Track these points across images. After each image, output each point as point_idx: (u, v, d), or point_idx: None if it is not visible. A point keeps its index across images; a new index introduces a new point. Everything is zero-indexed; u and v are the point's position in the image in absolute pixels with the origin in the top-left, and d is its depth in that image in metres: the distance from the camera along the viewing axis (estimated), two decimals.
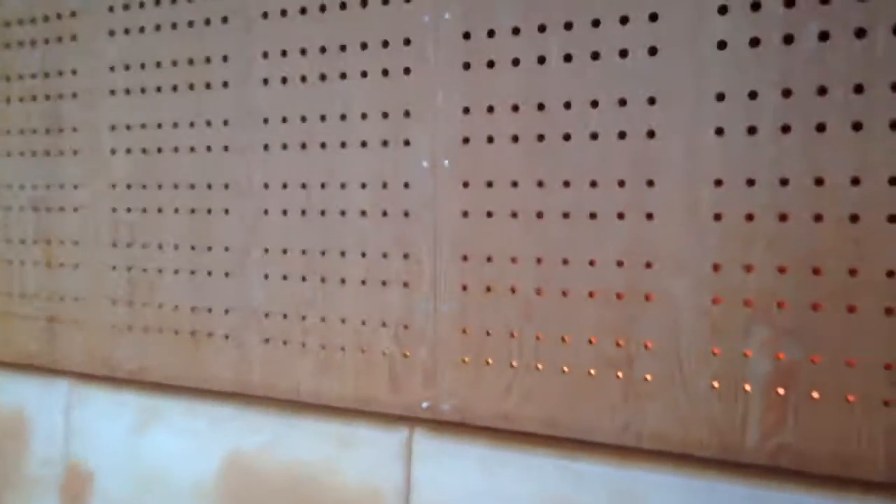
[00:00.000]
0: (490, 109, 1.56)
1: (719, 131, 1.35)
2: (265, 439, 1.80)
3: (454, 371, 1.62)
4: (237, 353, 1.88)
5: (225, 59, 1.86)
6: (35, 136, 2.15)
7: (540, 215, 1.52)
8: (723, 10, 1.34)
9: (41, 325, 2.17)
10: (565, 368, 1.51)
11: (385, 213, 1.69)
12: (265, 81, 1.82)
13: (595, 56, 1.45)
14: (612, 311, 1.46)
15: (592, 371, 1.49)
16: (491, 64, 1.56)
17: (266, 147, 1.83)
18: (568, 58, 1.48)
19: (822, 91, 1.27)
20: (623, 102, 1.43)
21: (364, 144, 1.70)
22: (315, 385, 1.79)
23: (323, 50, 1.74)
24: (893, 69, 1.21)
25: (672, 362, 1.41)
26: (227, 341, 1.89)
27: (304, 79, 1.77)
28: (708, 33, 1.35)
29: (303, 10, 1.76)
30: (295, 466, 1.77)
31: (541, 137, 1.51)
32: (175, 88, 1.94)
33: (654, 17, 1.40)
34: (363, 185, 1.71)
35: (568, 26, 1.47)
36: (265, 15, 1.81)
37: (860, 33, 1.24)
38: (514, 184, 1.54)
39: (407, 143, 1.65)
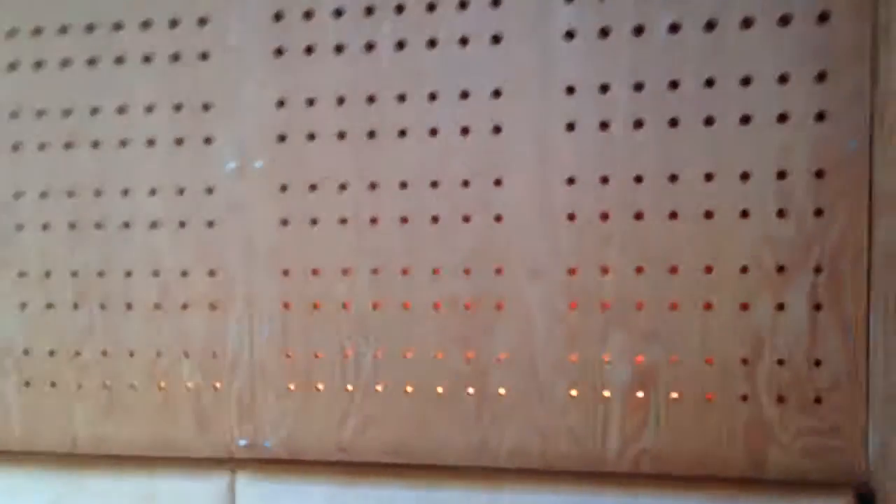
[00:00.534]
0: (310, 102, 1.33)
1: (570, 126, 1.24)
2: None
3: (278, 401, 1.38)
4: None
5: None
6: None
7: (374, 221, 1.32)
8: None
9: None
10: (409, 388, 1.33)
11: (183, 224, 1.38)
12: (12, 66, 1.42)
13: (432, 43, 1.27)
14: (460, 322, 1.30)
15: (440, 389, 1.32)
16: (309, 50, 1.32)
17: (16, 147, 1.43)
18: (401, 45, 1.28)
19: (674, 85, 1.19)
20: (465, 95, 1.27)
21: (151, 143, 1.38)
22: (98, 433, 1.44)
23: (90, 28, 1.39)
24: (743, 63, 1.16)
25: (528, 373, 1.28)
26: None
27: (66, 63, 1.40)
28: (555, 22, 1.22)
29: None
30: None
31: (372, 134, 1.31)
32: None
33: (496, 2, 1.24)
34: (152, 192, 1.39)
35: (399, 9, 1.28)
36: None
37: (710, 26, 1.17)
38: (343, 186, 1.32)
39: (208, 140, 1.36)
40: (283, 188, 1.34)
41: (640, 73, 1.21)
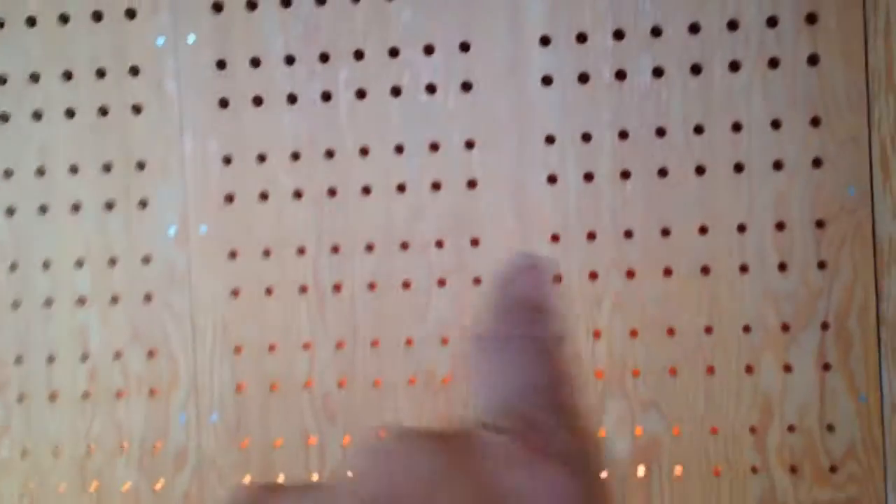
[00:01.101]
0: (261, 158, 1.16)
1: (551, 179, 1.11)
2: None
3: None
4: None
5: None
6: None
7: (337, 288, 1.15)
8: (545, 41, 1.10)
9: None
10: None
11: (115, 300, 1.19)
12: None
13: (395, 92, 1.13)
14: (438, 398, 1.15)
15: None
16: (258, 101, 1.15)
17: None
18: (361, 94, 1.14)
19: (661, 132, 1.08)
20: (434, 147, 1.13)
21: (76, 208, 1.19)
22: None
23: (2, 81, 1.19)
24: (733, 109, 1.06)
25: None
26: None
27: None
28: (530, 67, 1.10)
29: None
30: None
31: (332, 192, 1.15)
32: None
33: (465, 47, 1.11)
34: (78, 263, 1.19)
35: (358, 55, 1.13)
36: None
37: (695, 70, 1.07)
38: (301, 250, 1.16)
39: (143, 203, 1.18)
40: (232, 255, 1.17)
41: (624, 120, 1.09)
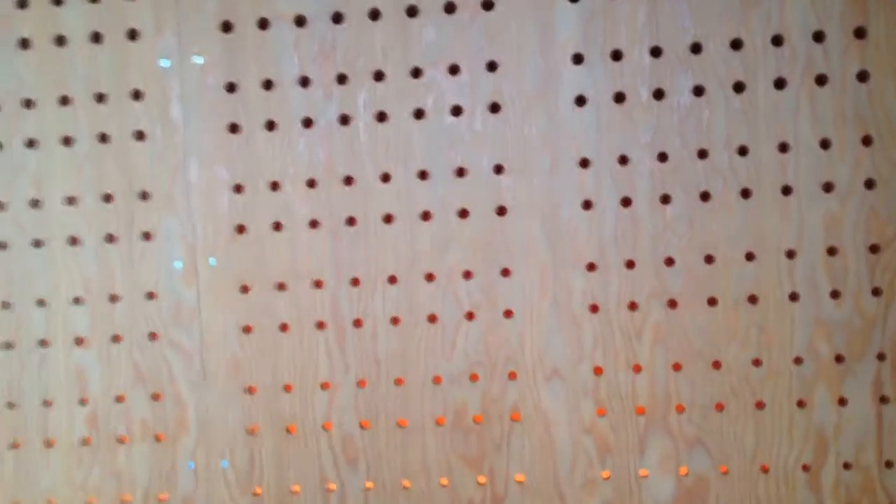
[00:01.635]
0: (274, 186, 1.06)
1: (587, 204, 1.02)
2: None
3: None
4: None
5: None
6: None
7: (357, 323, 1.06)
8: (578, 59, 1.02)
9: None
10: None
11: (116, 339, 1.08)
12: None
13: (419, 114, 1.04)
14: (467, 439, 1.05)
15: None
16: (271, 125, 1.06)
17: None
18: (381, 116, 1.05)
19: (703, 154, 1.00)
20: (461, 172, 1.04)
21: (74, 242, 1.08)
22: None
23: None
24: (779, 128, 0.99)
25: (551, 497, 1.03)
26: None
27: None
28: (562, 86, 1.02)
29: None
30: None
31: (350, 221, 1.05)
32: None
33: (492, 66, 1.03)
34: (76, 301, 1.08)
35: (378, 76, 1.04)
36: None
37: (738, 88, 1.00)
38: (317, 284, 1.06)
39: (146, 236, 1.07)
40: (244, 289, 1.07)
41: (663, 141, 1.01)
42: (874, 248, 1.01)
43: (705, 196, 1.03)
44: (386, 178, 1.07)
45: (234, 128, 1.09)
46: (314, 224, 1.08)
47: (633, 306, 1.04)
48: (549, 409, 1.05)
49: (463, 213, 1.06)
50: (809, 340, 1.02)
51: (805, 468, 1.02)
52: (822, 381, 1.02)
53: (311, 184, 1.08)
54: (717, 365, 1.03)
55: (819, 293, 1.01)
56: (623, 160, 1.04)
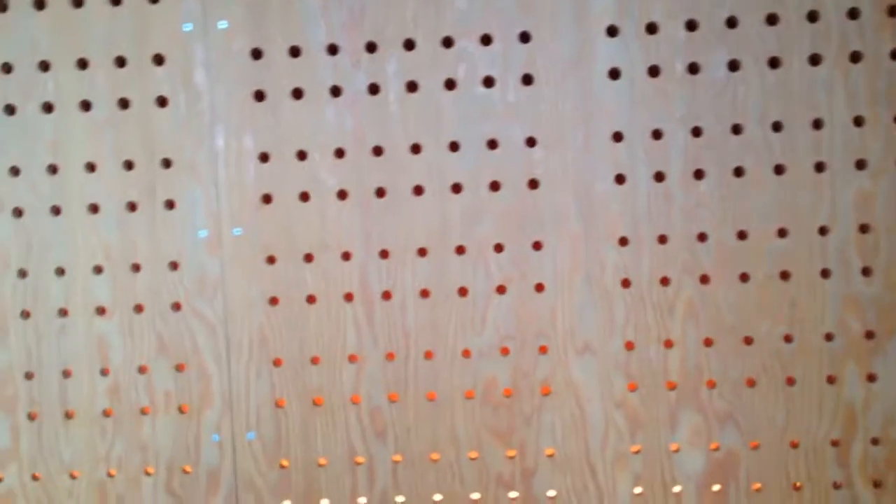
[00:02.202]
0: (301, 155, 1.03)
1: (619, 178, 1.00)
2: None
3: None
4: None
5: None
6: None
7: (386, 295, 1.03)
8: (612, 31, 1.00)
9: None
10: (437, 497, 1.04)
11: (139, 309, 1.05)
12: None
13: (450, 84, 1.01)
14: (497, 413, 1.04)
15: (476, 496, 1.04)
16: (298, 94, 1.03)
17: None
18: (412, 86, 1.01)
19: (737, 129, 0.99)
20: (493, 144, 1.01)
21: (94, 209, 1.04)
22: None
23: (6, 69, 1.05)
24: (813, 105, 0.97)
25: (582, 471, 1.03)
26: None
27: None
28: (596, 59, 1.00)
29: None
30: None
31: (380, 192, 1.03)
32: None
33: (525, 37, 1.00)
34: (97, 270, 1.04)
35: (409, 45, 1.01)
36: None
37: (773, 64, 0.98)
38: (346, 255, 1.03)
39: (170, 204, 1.04)
40: (270, 260, 1.04)
41: (697, 116, 1.00)
42: None
43: (739, 171, 1.02)
44: (416, 148, 1.05)
45: (259, 95, 1.05)
46: (342, 194, 1.05)
47: (664, 281, 1.03)
48: (580, 383, 1.04)
49: (494, 186, 1.04)
50: (840, 317, 1.01)
51: (834, 443, 1.02)
52: (852, 358, 1.02)
53: (340, 153, 1.05)
54: (748, 340, 1.03)
55: (850, 270, 1.01)
56: (657, 134, 1.02)
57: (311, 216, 1.07)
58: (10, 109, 1.08)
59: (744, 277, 1.04)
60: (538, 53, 1.04)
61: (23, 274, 1.09)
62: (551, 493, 1.07)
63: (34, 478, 1.10)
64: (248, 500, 1.08)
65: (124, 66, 1.08)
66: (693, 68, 1.03)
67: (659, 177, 1.04)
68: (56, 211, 1.09)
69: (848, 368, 1.03)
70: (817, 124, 1.02)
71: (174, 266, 1.08)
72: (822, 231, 1.03)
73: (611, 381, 1.05)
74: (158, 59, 1.07)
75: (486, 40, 1.05)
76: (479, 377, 1.07)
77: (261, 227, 1.07)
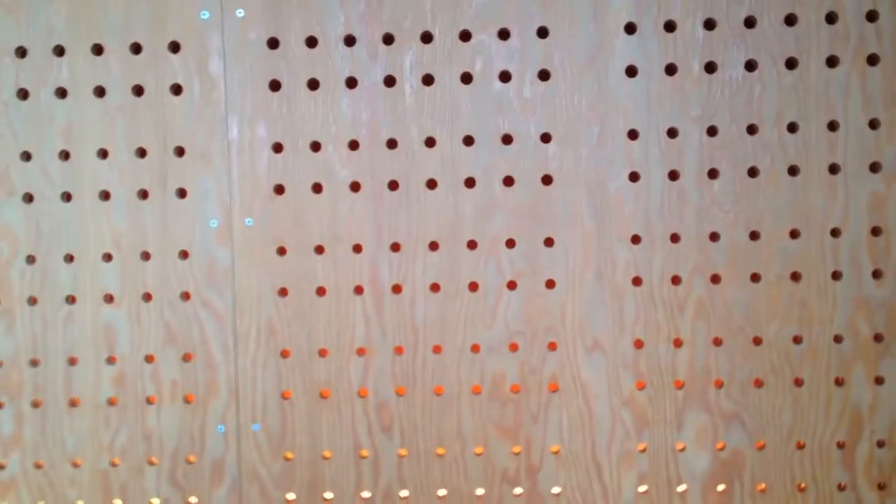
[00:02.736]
0: (315, 147, 1.02)
1: (633, 176, 1.00)
2: None
3: None
4: None
5: None
6: None
7: (396, 289, 1.03)
8: (630, 28, 0.99)
9: None
10: (441, 492, 1.03)
11: (147, 298, 1.03)
12: None
13: (466, 79, 1.00)
14: (504, 408, 1.03)
15: (481, 491, 1.03)
16: (314, 84, 1.02)
17: None
18: (428, 79, 1.01)
19: (752, 129, 0.98)
20: (507, 139, 1.01)
21: (105, 196, 1.03)
22: None
23: (21, 53, 1.04)
24: (829, 106, 0.97)
25: (587, 468, 1.02)
26: None
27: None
28: (613, 56, 0.99)
29: None
30: None
31: (393, 185, 1.02)
32: None
33: (542, 32, 0.99)
34: (107, 257, 1.03)
35: (426, 38, 1.00)
36: None
37: (790, 64, 0.98)
38: (357, 248, 1.02)
39: (181, 193, 1.03)
40: (281, 250, 1.03)
41: (713, 115, 1.00)
42: None
43: (753, 172, 1.01)
44: (430, 142, 1.04)
45: (275, 85, 1.05)
46: (355, 186, 1.04)
47: (676, 280, 1.02)
48: (589, 380, 1.03)
49: (508, 181, 1.04)
50: (849, 319, 1.01)
51: (840, 445, 1.02)
52: (860, 360, 1.02)
53: (354, 145, 1.04)
54: (757, 341, 1.02)
55: (861, 272, 1.01)
56: (672, 133, 1.02)
57: (323, 208, 1.06)
58: (24, 94, 1.07)
59: (755, 278, 1.03)
60: (555, 49, 1.04)
61: (31, 260, 1.08)
62: (556, 489, 1.06)
63: (37, 466, 1.09)
64: (251, 491, 1.07)
65: (140, 52, 1.07)
66: (710, 67, 1.03)
67: (673, 175, 1.03)
68: (67, 197, 1.08)
69: (856, 371, 1.03)
70: (832, 126, 1.02)
71: (184, 255, 1.07)
72: (835, 233, 1.02)
73: (619, 379, 1.05)
74: (174, 47, 1.07)
75: (503, 35, 1.05)
76: (486, 372, 1.06)
77: (272, 217, 1.06)
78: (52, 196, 1.08)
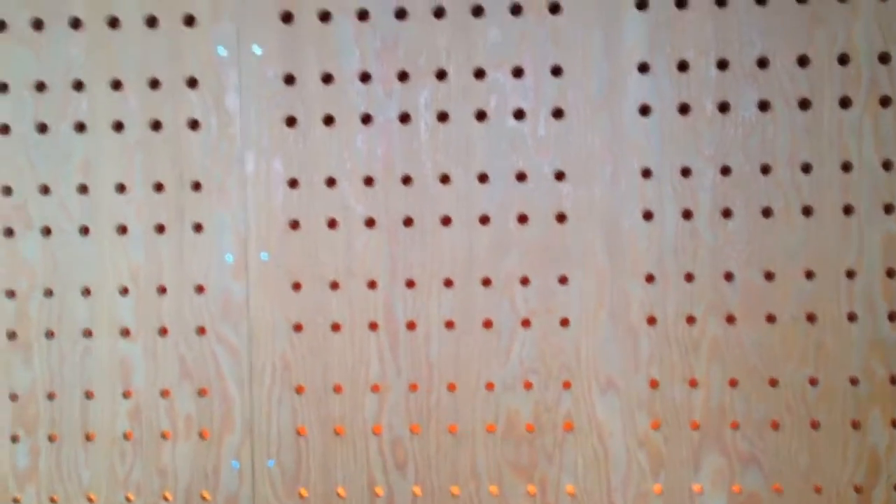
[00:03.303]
0: (330, 182, 1.03)
1: (647, 215, 1.00)
2: None
3: None
4: None
5: None
6: None
7: (411, 326, 1.03)
8: (643, 68, 0.99)
9: None
10: None
11: (163, 331, 1.03)
12: None
13: (480, 116, 1.01)
14: (519, 448, 1.03)
15: None
16: (329, 120, 1.02)
17: None
18: (443, 116, 1.01)
19: (766, 169, 0.98)
20: (521, 177, 1.01)
21: (123, 230, 1.04)
22: None
23: (40, 88, 1.04)
24: (842, 147, 0.97)
25: None
26: None
27: (3, 129, 1.05)
28: (627, 95, 0.99)
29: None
30: None
31: (408, 222, 1.02)
32: None
33: (556, 71, 1.00)
34: (124, 291, 1.04)
35: (441, 75, 1.01)
36: None
37: (803, 105, 0.98)
38: (372, 284, 1.02)
39: (197, 228, 1.03)
40: (296, 286, 1.03)
41: (726, 155, 1.00)
42: None
43: (767, 212, 1.01)
44: (445, 179, 1.04)
45: (291, 121, 1.05)
46: (370, 223, 1.05)
47: (690, 320, 1.02)
48: (604, 420, 1.03)
49: (522, 219, 1.04)
50: (866, 361, 1.01)
51: (857, 489, 1.01)
52: (877, 403, 1.01)
53: (369, 181, 1.05)
54: (773, 382, 1.02)
55: (877, 314, 1.00)
56: (685, 172, 1.02)
57: (338, 243, 1.06)
58: (43, 128, 1.08)
59: (770, 318, 1.03)
60: (569, 88, 1.04)
61: (49, 293, 1.08)
62: None
63: (52, 500, 1.09)
64: None
65: (157, 87, 1.08)
66: (723, 107, 1.03)
67: (687, 214, 1.03)
68: (84, 231, 1.08)
69: (872, 414, 1.02)
70: (846, 167, 1.02)
71: (200, 289, 1.07)
72: (850, 274, 1.02)
73: (634, 419, 1.04)
74: (192, 82, 1.07)
75: (517, 73, 1.05)
76: (501, 411, 1.06)
77: (287, 252, 1.07)
78: (70, 230, 1.09)
